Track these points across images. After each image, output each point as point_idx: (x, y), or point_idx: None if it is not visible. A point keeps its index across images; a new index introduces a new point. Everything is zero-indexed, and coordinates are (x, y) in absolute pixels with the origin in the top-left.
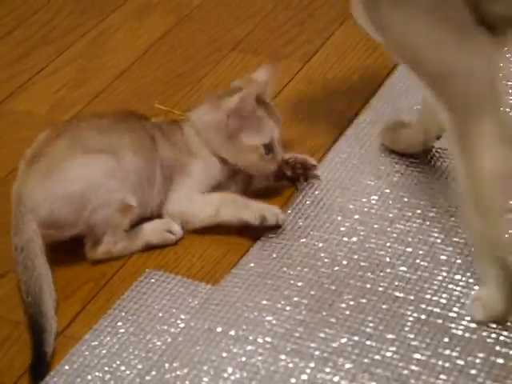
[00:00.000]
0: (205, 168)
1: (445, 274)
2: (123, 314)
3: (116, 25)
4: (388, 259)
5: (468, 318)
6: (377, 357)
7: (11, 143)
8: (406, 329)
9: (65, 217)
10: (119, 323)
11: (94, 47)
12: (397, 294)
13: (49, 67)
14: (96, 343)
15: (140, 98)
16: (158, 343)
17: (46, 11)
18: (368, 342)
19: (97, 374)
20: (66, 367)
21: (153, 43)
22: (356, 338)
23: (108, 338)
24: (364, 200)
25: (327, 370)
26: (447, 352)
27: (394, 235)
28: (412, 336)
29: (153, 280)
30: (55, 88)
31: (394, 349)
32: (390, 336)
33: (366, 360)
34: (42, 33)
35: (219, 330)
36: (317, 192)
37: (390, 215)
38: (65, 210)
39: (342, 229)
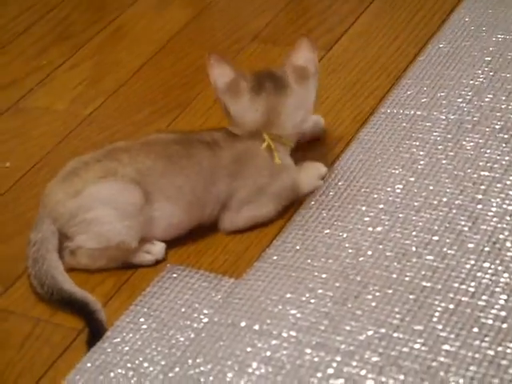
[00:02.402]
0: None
1: (473, 262)
2: (145, 309)
3: (134, 19)
4: (414, 248)
5: (497, 307)
6: (404, 349)
7: (31, 139)
8: (434, 319)
9: (71, 233)
10: (141, 319)
11: (112, 42)
12: (424, 283)
13: (67, 63)
14: (118, 340)
15: (159, 92)
16: (181, 339)
17: (63, 7)
18: (395, 334)
19: (120, 371)
20: (89, 364)
21: (171, 36)
22: (383, 330)
23: (130, 335)
24: (388, 189)
25: (354, 363)
26: (477, 342)
27: (420, 224)
28: (440, 327)
29: (175, 275)
30: (74, 84)
31: (422, 340)
32: (418, 327)
33: (393, 353)
34: (59, 29)
35: (243, 324)
36: (340, 183)
37: (416, 204)
38: (73, 230)
39: (367, 219)
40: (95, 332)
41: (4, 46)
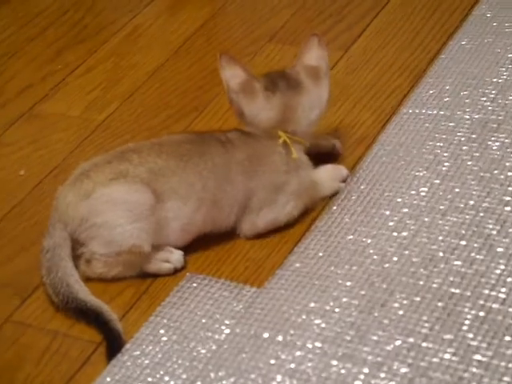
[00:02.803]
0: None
1: (503, 266)
2: (165, 320)
3: (149, 20)
4: (441, 254)
5: None
6: (434, 359)
7: (47, 145)
8: (464, 328)
9: (83, 239)
10: (161, 331)
11: (127, 45)
12: (452, 290)
13: (81, 67)
14: (138, 353)
15: (175, 96)
16: (203, 351)
17: (76, 10)
18: (424, 344)
19: None
20: (108, 379)
21: (187, 38)
22: (411, 340)
23: (150, 347)
24: (413, 192)
25: (382, 375)
26: (510, 352)
27: (447, 228)
28: (471, 335)
29: (194, 284)
30: (88, 88)
31: (452, 350)
32: (448, 336)
33: (422, 363)
34: (73, 32)
35: (266, 335)
36: (363, 186)
37: (442, 207)
38: (85, 235)
39: (391, 223)
40: (112, 342)
41: (17, 52)
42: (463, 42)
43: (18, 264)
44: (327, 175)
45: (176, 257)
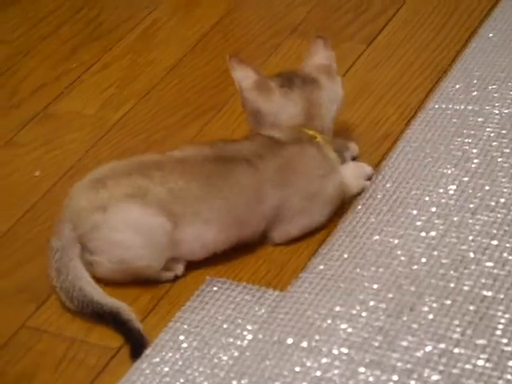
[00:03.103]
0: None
1: None
2: (185, 326)
3: (165, 16)
4: (472, 254)
5: None
6: (467, 366)
7: (62, 145)
8: (498, 332)
9: (91, 246)
10: (181, 337)
11: (143, 41)
12: (484, 292)
13: (97, 65)
14: (157, 360)
15: (193, 93)
16: (224, 358)
17: (91, 6)
18: (456, 350)
19: None
20: None
21: (205, 33)
22: (442, 346)
23: (170, 354)
24: (441, 191)
25: (412, 383)
26: None
27: (477, 227)
28: (505, 340)
29: (215, 288)
30: (104, 86)
31: (485, 356)
32: (481, 341)
33: (455, 370)
34: (88, 29)
35: (290, 341)
36: (388, 185)
37: (471, 206)
38: (93, 244)
39: (419, 223)
40: (133, 343)
41: (30, 51)
42: (490, 35)
43: (32, 269)
44: (351, 174)
45: (178, 265)
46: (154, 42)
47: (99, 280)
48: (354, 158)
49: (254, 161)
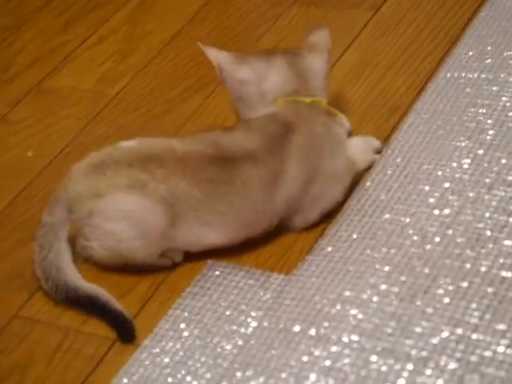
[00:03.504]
0: None
1: None
2: (186, 314)
3: None
4: (489, 232)
5: None
6: (487, 353)
7: (57, 122)
8: None
9: (85, 232)
10: (182, 325)
11: (141, 12)
12: (503, 273)
13: (92, 37)
14: (157, 350)
15: (192, 66)
16: (228, 347)
17: None
18: (474, 336)
19: None
20: (125, 380)
21: (204, 3)
22: (459, 332)
23: (171, 344)
24: (454, 165)
25: (428, 371)
26: None
27: (494, 204)
28: None
29: (217, 272)
30: (100, 60)
31: (506, 342)
32: (501, 326)
33: (473, 358)
34: (83, 0)
35: (297, 329)
36: (398, 159)
37: (487, 180)
38: (88, 230)
39: (432, 200)
40: (118, 326)
41: (25, 23)
42: None
43: (26, 254)
44: (358, 148)
45: (176, 253)
46: (152, 13)
47: (94, 264)
48: (348, 134)
49: (261, 157)
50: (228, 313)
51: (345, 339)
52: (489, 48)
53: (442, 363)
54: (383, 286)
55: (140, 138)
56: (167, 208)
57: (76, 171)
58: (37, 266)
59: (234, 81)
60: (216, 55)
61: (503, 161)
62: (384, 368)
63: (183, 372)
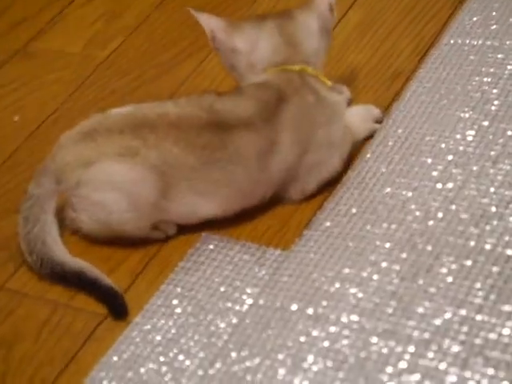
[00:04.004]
0: None
1: None
2: (179, 289)
3: None
4: (494, 208)
5: None
6: (491, 335)
7: (44, 86)
8: None
9: (74, 202)
10: (175, 301)
11: None
12: (508, 252)
13: None
14: (149, 327)
15: (186, 27)
16: (222, 325)
17: None
18: (479, 317)
19: (151, 365)
20: (115, 358)
21: None
22: (463, 313)
23: (162, 321)
24: (458, 137)
25: (430, 354)
26: None
27: (499, 178)
28: None
29: (211, 246)
30: (89, 21)
31: (511, 324)
32: (506, 308)
33: (477, 340)
34: None
35: (294, 307)
36: (400, 130)
37: (492, 153)
38: (76, 200)
39: (435, 173)
40: (109, 302)
41: None
42: None
43: (12, 224)
44: (358, 117)
45: (169, 225)
46: None
47: (84, 237)
48: (348, 102)
49: (255, 124)
50: (222, 289)
51: (344, 319)
52: (494, 13)
53: (445, 346)
54: (384, 264)
55: (133, 105)
56: (159, 177)
57: (65, 140)
58: (21, 239)
59: (227, 49)
60: (209, 22)
61: (509, 133)
62: (385, 350)
63: (175, 350)
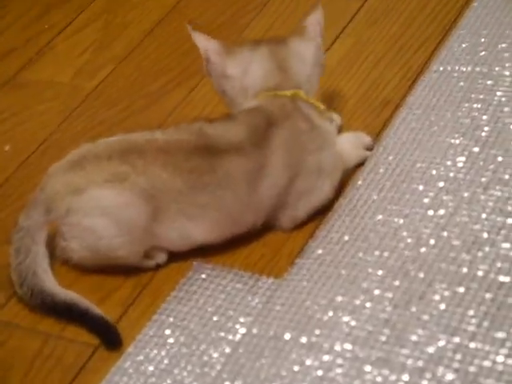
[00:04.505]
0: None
1: None
2: (171, 319)
3: None
4: (485, 235)
5: None
6: (485, 363)
7: (34, 116)
8: None
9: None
10: (167, 331)
11: (120, 0)
12: (501, 278)
13: (70, 27)
14: (141, 358)
15: (175, 57)
16: (215, 355)
17: None
18: (472, 345)
19: None
20: None
21: None
22: (456, 340)
23: (155, 351)
24: (449, 163)
25: (424, 383)
26: None
27: (490, 204)
28: None
29: (203, 275)
30: (78, 51)
31: (505, 351)
32: (500, 335)
33: (471, 368)
34: None
35: (287, 336)
36: (391, 157)
37: (483, 179)
38: (66, 229)
39: (426, 200)
40: (101, 332)
41: None
42: None
43: (2, 255)
44: (349, 144)
45: (160, 253)
46: (132, 1)
47: (75, 267)
48: (338, 129)
49: (245, 149)
50: (215, 318)
51: (337, 348)
52: (482, 40)
53: (439, 374)
54: (376, 291)
55: (122, 134)
56: (148, 201)
57: (54, 170)
58: (12, 271)
59: (219, 74)
60: (204, 42)
61: (499, 159)
62: (379, 379)
63: (169, 381)
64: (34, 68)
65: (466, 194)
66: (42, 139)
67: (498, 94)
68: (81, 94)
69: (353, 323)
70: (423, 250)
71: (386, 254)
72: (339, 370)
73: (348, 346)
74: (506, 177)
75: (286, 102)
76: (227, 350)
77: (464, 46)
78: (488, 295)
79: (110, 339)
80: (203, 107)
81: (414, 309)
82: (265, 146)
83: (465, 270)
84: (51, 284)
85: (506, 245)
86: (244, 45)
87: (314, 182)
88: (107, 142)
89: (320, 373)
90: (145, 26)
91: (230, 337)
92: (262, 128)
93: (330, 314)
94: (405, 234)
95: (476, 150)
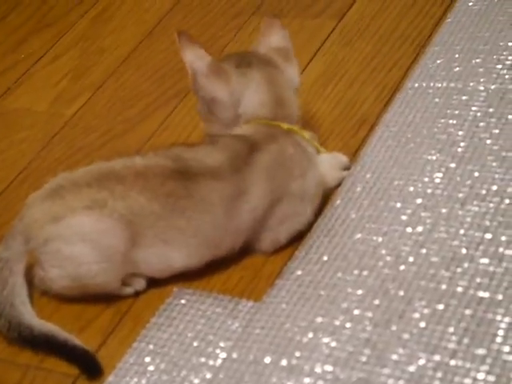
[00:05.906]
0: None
1: None
2: (151, 346)
3: None
4: (464, 250)
5: None
6: (466, 380)
7: (11, 146)
8: (499, 340)
9: (43, 260)
10: (147, 359)
11: (96, 27)
12: (481, 294)
13: (47, 55)
14: None
15: (153, 82)
16: (196, 381)
17: None
18: (453, 362)
19: None
20: None
21: (162, 16)
22: (437, 358)
23: (135, 379)
24: (426, 179)
25: None
26: None
27: (468, 220)
28: (507, 349)
29: (183, 301)
30: (55, 79)
31: (486, 368)
32: (480, 351)
33: None
34: (37, 16)
35: (268, 360)
36: (368, 175)
37: (460, 195)
38: (45, 258)
39: (404, 217)
40: (81, 362)
41: None
42: (470, 4)
43: None
44: (327, 166)
45: (139, 280)
46: (108, 28)
47: (53, 297)
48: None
49: (223, 173)
50: (195, 344)
51: (318, 370)
52: (457, 56)
53: None
54: (356, 311)
55: (100, 161)
56: (127, 226)
57: (32, 199)
58: None
59: (206, 95)
60: (192, 61)
61: (476, 174)
62: None
63: None
64: (12, 97)
65: (443, 210)
66: (21, 168)
67: (473, 109)
68: (59, 122)
69: (333, 344)
70: (402, 267)
71: (365, 272)
72: None
73: (329, 368)
74: (483, 192)
75: (277, 131)
76: (208, 376)
77: (438, 62)
78: (468, 311)
79: (91, 369)
80: (180, 132)
81: (394, 327)
82: (245, 170)
83: (444, 286)
84: (29, 316)
85: (485, 260)
86: (231, 60)
87: (297, 207)
88: (85, 169)
89: None
90: (121, 51)
91: (211, 362)
92: (244, 153)
93: (310, 335)
94: (384, 252)
95: (453, 165)
